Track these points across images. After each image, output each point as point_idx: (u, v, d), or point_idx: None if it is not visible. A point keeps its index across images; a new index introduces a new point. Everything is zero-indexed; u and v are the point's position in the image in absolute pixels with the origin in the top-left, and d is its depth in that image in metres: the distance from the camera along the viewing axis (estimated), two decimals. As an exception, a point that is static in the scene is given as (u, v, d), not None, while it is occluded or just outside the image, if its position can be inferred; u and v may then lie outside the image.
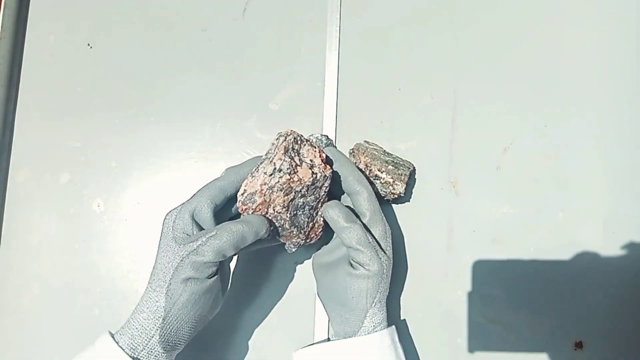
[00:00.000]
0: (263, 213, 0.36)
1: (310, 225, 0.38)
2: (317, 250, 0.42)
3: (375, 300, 0.37)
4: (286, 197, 0.35)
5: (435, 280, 0.44)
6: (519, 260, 0.44)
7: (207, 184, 0.37)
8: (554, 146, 0.45)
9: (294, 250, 0.39)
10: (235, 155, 0.47)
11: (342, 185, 0.39)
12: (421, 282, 0.44)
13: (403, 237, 0.44)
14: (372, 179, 0.41)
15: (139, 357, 0.33)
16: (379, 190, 0.42)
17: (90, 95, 0.48)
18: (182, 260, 0.34)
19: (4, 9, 0.47)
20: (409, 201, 0.45)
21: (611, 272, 0.43)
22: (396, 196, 0.42)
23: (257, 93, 0.47)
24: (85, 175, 0.47)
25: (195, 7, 0.49)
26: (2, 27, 0.47)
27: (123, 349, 0.33)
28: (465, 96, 0.46)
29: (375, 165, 0.41)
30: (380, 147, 0.44)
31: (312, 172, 0.36)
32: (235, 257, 0.44)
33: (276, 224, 0.36)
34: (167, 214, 0.37)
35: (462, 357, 0.43)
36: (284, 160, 0.35)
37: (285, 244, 0.39)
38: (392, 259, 0.38)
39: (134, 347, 0.33)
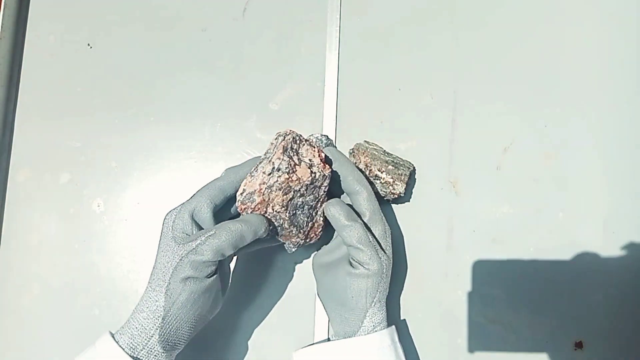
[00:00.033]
0: (262, 212, 0.36)
1: (310, 225, 0.38)
2: (317, 250, 0.42)
3: (374, 300, 0.37)
4: (285, 197, 0.35)
5: (435, 280, 0.44)
6: (519, 260, 0.44)
7: (207, 184, 0.37)
8: (554, 146, 0.45)
9: (293, 250, 0.39)
10: (235, 155, 0.47)
11: (342, 185, 0.39)
12: (421, 282, 0.44)
13: (403, 237, 0.44)
14: (372, 179, 0.41)
15: (138, 356, 0.33)
16: (379, 190, 0.42)
17: (90, 95, 0.48)
18: (181, 259, 0.34)
19: (4, 9, 0.47)
20: (409, 201, 0.45)
21: (611, 272, 0.43)
22: (396, 196, 0.42)
23: (257, 93, 0.47)
24: (85, 175, 0.47)
25: (195, 7, 0.49)
26: (2, 27, 0.47)
27: (123, 349, 0.33)
28: (465, 96, 0.46)
29: (375, 165, 0.41)
30: (380, 147, 0.44)
31: (311, 172, 0.36)
32: (235, 258, 0.44)
33: (275, 223, 0.36)
34: (167, 214, 0.37)
35: (462, 357, 0.43)
36: (282, 159, 0.35)
37: (285, 243, 0.39)
38: (391, 259, 0.38)
39: (133, 347, 0.34)
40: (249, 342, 0.44)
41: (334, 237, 0.41)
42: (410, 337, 0.43)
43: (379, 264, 0.36)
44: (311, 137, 0.43)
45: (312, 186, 0.36)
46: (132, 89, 0.48)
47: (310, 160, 0.36)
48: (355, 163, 0.42)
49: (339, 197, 0.41)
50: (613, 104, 0.45)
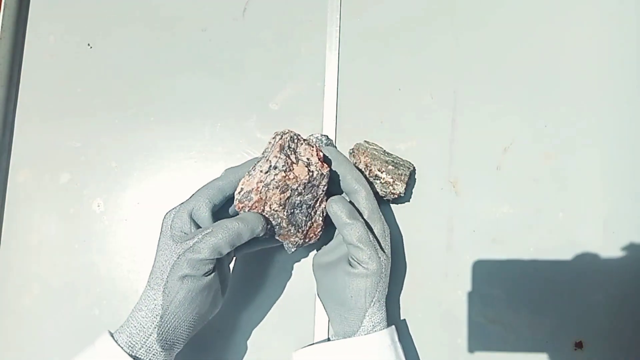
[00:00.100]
0: (259, 211, 0.36)
1: (309, 224, 0.38)
2: (317, 250, 0.42)
3: (374, 300, 0.37)
4: (282, 195, 0.35)
5: (435, 280, 0.44)
6: (519, 260, 0.44)
7: (206, 184, 0.37)
8: (554, 146, 0.45)
9: (293, 250, 0.39)
10: (235, 155, 0.47)
11: (341, 184, 0.39)
12: (421, 282, 0.44)
13: (403, 237, 0.44)
14: (372, 179, 0.41)
15: (137, 355, 0.33)
16: (379, 190, 0.42)
17: (90, 95, 0.48)
18: (178, 257, 0.34)
19: (4, 9, 0.47)
20: (409, 201, 0.45)
21: (611, 272, 0.43)
22: (396, 196, 0.42)
23: (257, 93, 0.47)
24: (85, 175, 0.47)
25: (195, 7, 0.49)
26: (2, 27, 0.47)
27: (122, 347, 0.33)
28: (465, 96, 0.46)
29: (375, 165, 0.41)
30: (380, 147, 0.44)
31: (309, 170, 0.36)
32: (234, 258, 0.44)
33: (273, 222, 0.36)
34: (166, 214, 0.37)
35: (462, 357, 0.43)
36: (279, 157, 0.35)
37: (284, 243, 0.39)
38: (390, 259, 0.38)
39: (132, 345, 0.34)
40: (249, 342, 0.44)
41: (334, 236, 0.41)
42: (410, 337, 0.43)
43: (378, 264, 0.36)
44: (311, 137, 0.43)
45: (310, 185, 0.36)
46: (132, 89, 0.48)
47: (308, 159, 0.36)
48: (355, 163, 0.42)
49: (340, 197, 0.41)
50: (613, 104, 0.45)
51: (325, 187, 0.37)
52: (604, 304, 0.43)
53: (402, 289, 0.44)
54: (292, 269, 0.45)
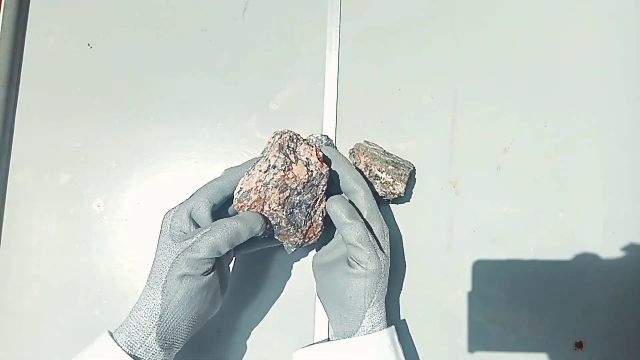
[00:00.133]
0: (259, 210, 0.36)
1: (308, 224, 0.38)
2: (317, 250, 0.42)
3: (373, 300, 0.37)
4: (281, 195, 0.35)
5: (435, 280, 0.44)
6: (519, 260, 0.44)
7: (206, 184, 0.38)
8: (554, 146, 0.45)
9: (293, 250, 0.39)
10: (235, 155, 0.47)
11: (340, 184, 0.39)
12: (421, 282, 0.44)
13: (403, 237, 0.44)
14: (372, 179, 0.41)
15: (136, 354, 0.34)
16: (379, 190, 0.42)
17: (90, 95, 0.48)
18: (177, 257, 0.34)
19: (4, 9, 0.47)
20: (408, 201, 0.45)
21: (611, 272, 0.43)
22: (396, 196, 0.42)
23: (257, 93, 0.47)
24: (85, 175, 0.47)
25: (195, 7, 0.49)
26: (2, 27, 0.47)
27: (121, 347, 0.33)
28: (465, 96, 0.46)
29: (375, 165, 0.41)
30: (380, 147, 0.44)
31: (308, 170, 0.36)
32: (234, 258, 0.44)
33: (272, 221, 0.36)
34: (165, 213, 0.37)
35: (462, 357, 0.43)
36: (278, 156, 0.35)
37: (283, 244, 0.39)
38: (389, 258, 0.38)
39: (131, 345, 0.34)
40: (249, 342, 0.44)
41: (334, 236, 0.41)
42: (410, 337, 0.43)
43: (377, 264, 0.36)
44: (311, 137, 0.43)
45: (309, 185, 0.36)
46: (132, 89, 0.48)
47: (307, 158, 0.36)
48: (355, 163, 0.42)
49: (339, 197, 0.41)
50: (613, 104, 0.45)
51: (325, 187, 0.37)
52: (604, 304, 0.43)
53: (402, 289, 0.44)
54: (292, 269, 0.45)
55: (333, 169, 0.38)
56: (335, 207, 0.37)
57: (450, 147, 0.45)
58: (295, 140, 0.36)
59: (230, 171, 0.38)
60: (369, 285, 0.36)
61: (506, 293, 0.43)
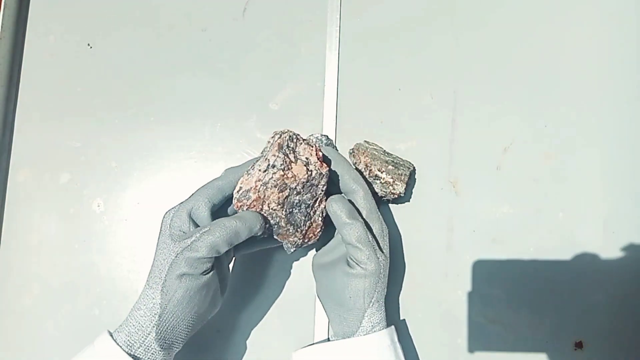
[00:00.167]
0: (258, 210, 0.36)
1: (308, 224, 0.38)
2: (317, 250, 0.42)
3: (372, 300, 0.37)
4: (281, 194, 0.35)
5: (435, 280, 0.44)
6: (519, 260, 0.44)
7: (206, 184, 0.38)
8: (554, 146, 0.45)
9: (292, 250, 0.38)
10: (235, 155, 0.47)
11: (339, 184, 0.39)
12: (421, 282, 0.44)
13: (403, 237, 0.44)
14: (372, 179, 0.41)
15: (135, 354, 0.34)
16: (379, 190, 0.42)
17: (90, 95, 0.48)
18: (176, 256, 0.34)
19: (4, 9, 0.47)
20: (408, 201, 0.45)
21: (611, 272, 0.43)
22: (396, 196, 0.42)
23: (257, 93, 0.47)
24: (85, 175, 0.47)
25: (195, 7, 0.49)
26: (2, 27, 0.47)
27: (120, 346, 0.33)
28: (465, 96, 0.46)
29: (375, 165, 0.41)
30: (380, 147, 0.44)
31: (307, 169, 0.36)
32: (234, 259, 0.44)
33: (271, 221, 0.36)
34: (165, 213, 0.37)
35: (462, 357, 0.43)
36: (277, 156, 0.35)
37: (283, 244, 0.39)
38: (389, 259, 0.38)
39: (130, 344, 0.34)
40: (249, 342, 0.44)
41: (334, 236, 0.41)
42: (410, 337, 0.43)
43: (376, 264, 0.36)
44: (311, 137, 0.43)
45: (308, 184, 0.36)
46: (132, 89, 0.48)
47: (307, 158, 0.36)
48: (355, 163, 0.42)
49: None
50: (613, 104, 0.45)
51: (325, 187, 0.37)
52: (604, 304, 0.43)
53: (401, 289, 0.44)
54: (292, 268, 0.45)
55: (333, 169, 0.38)
56: (335, 207, 0.37)
57: (450, 147, 0.45)
58: (295, 140, 0.36)
59: (230, 171, 0.38)
60: (368, 285, 0.36)
61: (506, 293, 0.43)
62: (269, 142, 0.37)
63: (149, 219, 0.46)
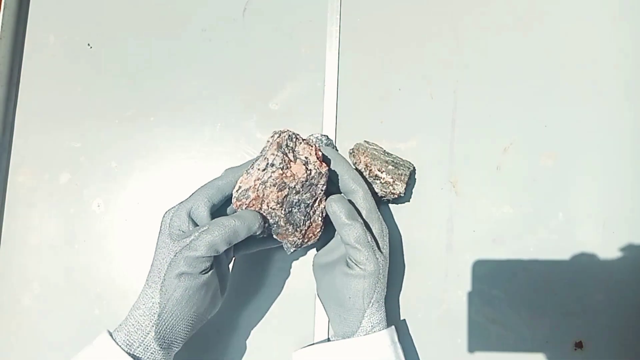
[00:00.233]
0: (257, 209, 0.36)
1: (307, 224, 0.38)
2: (317, 250, 0.42)
3: (372, 301, 0.37)
4: (280, 193, 0.35)
5: (435, 280, 0.44)
6: (519, 260, 0.44)
7: (206, 184, 0.38)
8: (554, 146, 0.45)
9: (292, 251, 0.38)
10: (235, 155, 0.47)
11: (339, 184, 0.39)
12: (421, 282, 0.44)
13: (403, 237, 0.44)
14: (372, 179, 0.41)
15: (135, 353, 0.34)
16: (379, 190, 0.42)
17: (90, 95, 0.48)
18: (175, 255, 0.34)
19: (4, 9, 0.47)
20: (409, 201, 0.45)
21: (611, 272, 0.43)
22: (396, 196, 0.42)
23: (257, 93, 0.47)
24: (85, 175, 0.47)
25: (195, 7, 0.49)
26: (2, 27, 0.47)
27: (120, 346, 0.33)
28: (465, 96, 0.46)
29: (375, 165, 0.41)
30: (380, 147, 0.44)
31: (307, 169, 0.36)
32: (233, 259, 0.44)
33: (271, 220, 0.36)
34: (165, 213, 0.37)
35: (462, 357, 0.43)
36: (276, 155, 0.35)
37: (282, 244, 0.38)
38: (388, 259, 0.38)
39: (130, 344, 0.34)
40: (249, 342, 0.44)
41: (334, 236, 0.41)
42: (410, 337, 0.43)
43: (375, 265, 0.36)
44: (311, 137, 0.43)
45: (308, 184, 0.36)
46: (132, 89, 0.48)
47: (306, 157, 0.36)
48: (355, 163, 0.42)
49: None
50: (613, 104, 0.45)
51: (324, 186, 0.37)
52: (604, 304, 0.43)
53: (402, 289, 0.44)
54: (292, 268, 0.45)
55: (332, 169, 0.38)
56: (335, 207, 0.37)
57: (450, 147, 0.45)
58: (294, 140, 0.36)
59: (230, 171, 0.38)
60: (368, 286, 0.36)
61: (506, 293, 0.43)
62: (268, 141, 0.37)
63: (149, 219, 0.46)
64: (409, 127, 0.46)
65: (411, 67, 0.47)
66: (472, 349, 0.43)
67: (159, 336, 0.34)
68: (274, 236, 0.38)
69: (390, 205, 0.45)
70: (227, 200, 0.38)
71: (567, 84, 0.46)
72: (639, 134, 0.45)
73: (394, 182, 0.41)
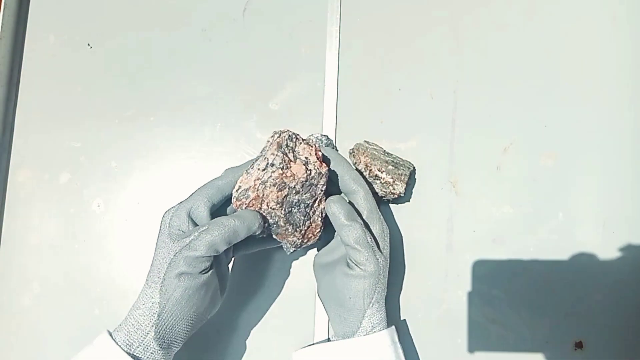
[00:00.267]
0: (257, 209, 0.36)
1: (307, 224, 0.38)
2: (318, 250, 0.42)
3: (372, 301, 0.37)
4: (280, 193, 0.35)
5: (435, 280, 0.44)
6: (519, 260, 0.44)
7: (206, 184, 0.38)
8: (554, 146, 0.45)
9: (292, 251, 0.38)
10: (235, 155, 0.47)
11: (339, 184, 0.39)
12: (421, 282, 0.44)
13: (403, 237, 0.44)
14: (372, 179, 0.41)
15: (134, 353, 0.34)
16: (379, 190, 0.42)
17: (90, 95, 0.48)
18: (175, 255, 0.34)
19: (4, 9, 0.47)
20: (409, 201, 0.45)
21: (611, 272, 0.43)
22: (396, 196, 0.42)
23: (257, 93, 0.47)
24: (85, 175, 0.47)
25: (195, 7, 0.49)
26: (2, 27, 0.47)
27: (120, 346, 0.33)
28: (465, 96, 0.46)
29: (375, 165, 0.41)
30: (380, 147, 0.44)
31: (307, 169, 0.36)
32: (233, 259, 0.44)
33: (270, 220, 0.36)
34: (165, 212, 0.37)
35: (462, 357, 0.43)
36: (276, 155, 0.35)
37: (282, 244, 0.38)
38: (388, 259, 0.38)
39: (129, 344, 0.34)
40: (249, 342, 0.44)
41: (335, 237, 0.41)
42: (410, 337, 0.43)
43: (375, 266, 0.36)
44: (311, 137, 0.43)
45: (308, 184, 0.36)
46: (132, 89, 0.48)
47: (306, 157, 0.36)
48: (355, 163, 0.42)
49: (339, 197, 0.41)
50: (613, 104, 0.45)
51: (324, 186, 0.37)
52: (604, 304, 0.43)
53: (402, 289, 0.44)
54: (292, 268, 0.45)
55: (333, 169, 0.38)
56: (334, 208, 0.37)
57: (450, 147, 0.45)
58: (294, 140, 0.36)
59: (230, 171, 0.38)
60: (368, 286, 0.36)
61: (506, 293, 0.43)
62: (268, 141, 0.37)
63: (149, 219, 0.46)
64: (409, 127, 0.46)
65: (411, 67, 0.47)
66: (472, 349, 0.43)
67: (158, 336, 0.34)
68: (274, 236, 0.38)
69: (390, 205, 0.45)
70: (227, 200, 0.38)
71: (567, 84, 0.46)
72: (639, 134, 0.45)
73: (394, 182, 0.41)
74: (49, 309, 0.45)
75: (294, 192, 0.36)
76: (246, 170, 0.36)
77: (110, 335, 0.34)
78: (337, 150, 0.45)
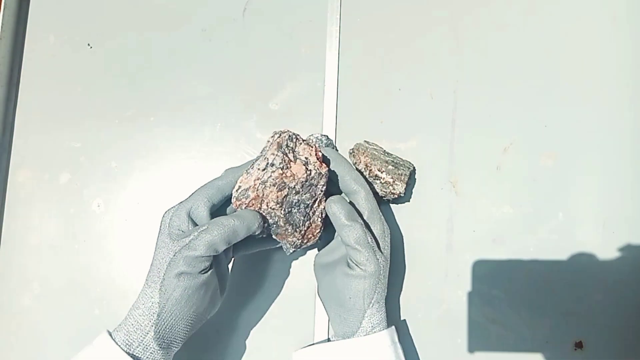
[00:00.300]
0: (256, 209, 0.36)
1: (307, 224, 0.38)
2: (319, 250, 0.42)
3: (372, 301, 0.37)
4: (279, 193, 0.35)
5: (435, 280, 0.44)
6: (519, 260, 0.44)
7: (206, 184, 0.38)
8: (554, 146, 0.45)
9: (291, 251, 0.38)
10: (235, 155, 0.47)
11: (340, 185, 0.39)
12: (421, 282, 0.44)
13: (403, 237, 0.44)
14: (372, 179, 0.41)
15: (134, 353, 0.34)
16: (379, 190, 0.42)
17: (90, 95, 0.48)
18: (174, 255, 0.34)
19: (4, 9, 0.47)
20: (409, 201, 0.45)
21: (611, 272, 0.43)
22: (396, 196, 0.42)
23: (257, 93, 0.47)
24: (85, 175, 0.47)
25: (195, 7, 0.49)
26: (2, 27, 0.47)
27: (119, 346, 0.33)
28: (465, 96, 0.46)
29: (375, 165, 0.41)
30: (380, 147, 0.44)
31: (307, 169, 0.36)
32: (232, 259, 0.44)
33: (270, 220, 0.36)
34: (165, 212, 0.37)
35: (462, 357, 0.43)
36: (276, 155, 0.35)
37: (282, 244, 0.38)
38: (389, 259, 0.38)
39: (129, 343, 0.34)
40: (249, 342, 0.44)
41: (335, 236, 0.41)
42: (410, 337, 0.43)
43: (375, 266, 0.36)
44: (311, 137, 0.43)
45: (307, 184, 0.36)
46: (132, 89, 0.48)
47: (306, 158, 0.36)
48: (355, 163, 0.42)
49: (339, 198, 0.41)
50: (613, 104, 0.45)
51: (324, 187, 0.37)
52: (604, 304, 0.43)
53: (402, 289, 0.44)
54: (292, 268, 0.45)
55: (333, 169, 0.38)
56: (335, 209, 0.37)
57: (450, 147, 0.45)
58: (294, 140, 0.36)
59: (230, 171, 0.38)
60: (368, 286, 0.36)
61: (506, 293, 0.43)
62: (268, 141, 0.37)
63: (149, 219, 0.46)
64: (409, 127, 0.46)
65: (411, 67, 0.47)
66: (472, 349, 0.43)
67: (158, 336, 0.34)
68: (274, 236, 0.38)
69: (390, 205, 0.45)
70: (227, 200, 0.38)
71: (567, 84, 0.46)
72: (639, 134, 0.45)
73: (394, 182, 0.41)
74: (49, 309, 0.45)
75: (293, 192, 0.36)
76: (246, 170, 0.36)
77: (110, 335, 0.34)
78: (337, 150, 0.45)
